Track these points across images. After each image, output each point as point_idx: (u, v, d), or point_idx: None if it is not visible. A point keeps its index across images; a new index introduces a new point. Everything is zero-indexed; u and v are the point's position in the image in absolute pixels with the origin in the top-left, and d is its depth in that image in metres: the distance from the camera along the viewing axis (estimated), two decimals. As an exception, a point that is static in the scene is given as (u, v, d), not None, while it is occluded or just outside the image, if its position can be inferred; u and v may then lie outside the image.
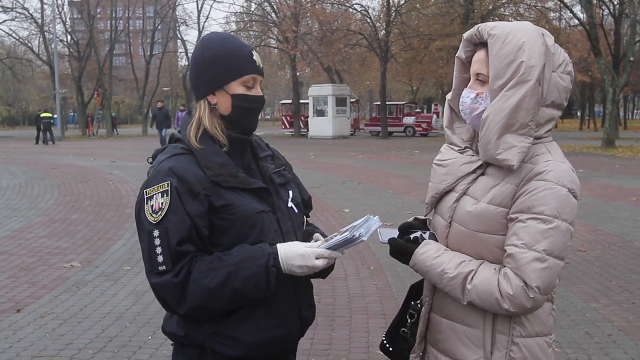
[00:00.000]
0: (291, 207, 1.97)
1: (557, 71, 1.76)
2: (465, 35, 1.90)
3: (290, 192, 2.00)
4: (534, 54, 1.71)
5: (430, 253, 1.81)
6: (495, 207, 1.75)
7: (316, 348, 4.56)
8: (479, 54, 1.83)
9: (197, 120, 1.88)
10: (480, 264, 1.76)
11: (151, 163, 1.90)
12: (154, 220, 1.74)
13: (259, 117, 2.03)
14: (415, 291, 2.07)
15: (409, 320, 2.02)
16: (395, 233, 1.98)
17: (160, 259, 1.73)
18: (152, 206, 1.76)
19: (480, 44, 1.84)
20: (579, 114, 64.93)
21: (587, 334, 4.77)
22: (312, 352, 4.50)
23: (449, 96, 2.00)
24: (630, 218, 9.44)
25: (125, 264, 6.97)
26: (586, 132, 46.49)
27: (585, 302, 5.50)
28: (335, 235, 1.84)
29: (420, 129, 40.09)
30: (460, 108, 1.87)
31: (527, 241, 1.67)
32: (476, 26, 1.85)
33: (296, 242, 1.82)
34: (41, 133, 34.16)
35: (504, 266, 1.73)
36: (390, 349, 2.08)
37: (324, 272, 1.99)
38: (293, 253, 1.77)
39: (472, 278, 1.73)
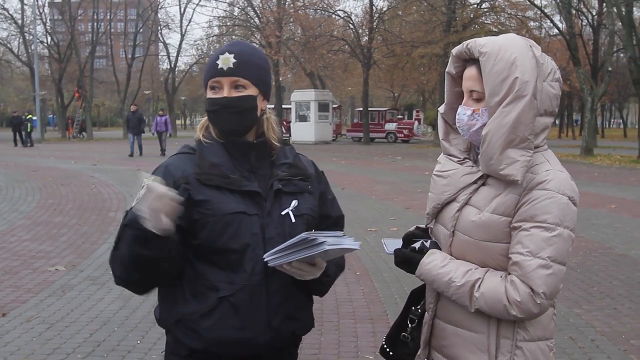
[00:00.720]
0: (287, 215, 1.94)
1: (547, 80, 1.81)
2: (454, 51, 1.93)
3: (295, 202, 1.96)
4: (527, 69, 1.75)
5: (437, 262, 1.85)
6: (499, 217, 1.80)
7: (305, 352, 4.58)
8: (470, 71, 1.87)
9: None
10: (486, 272, 1.81)
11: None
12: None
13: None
14: (416, 297, 2.10)
15: (409, 325, 2.06)
16: (399, 243, 2.02)
17: (116, 236, 1.84)
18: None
19: (471, 60, 1.87)
20: (557, 122, 65.76)
21: (571, 339, 4.85)
22: (301, 357, 4.49)
23: (441, 109, 2.03)
24: (610, 225, 9.60)
25: (110, 268, 6.92)
26: (565, 140, 47.10)
27: (568, 308, 5.59)
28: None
29: (402, 135, 40.31)
30: (458, 125, 1.91)
31: (532, 249, 1.73)
32: (464, 43, 1.89)
33: None
34: (22, 135, 33.77)
35: (510, 274, 1.77)
36: (391, 353, 2.11)
37: (318, 289, 2.03)
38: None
39: (479, 286, 1.78)
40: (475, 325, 1.85)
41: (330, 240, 1.74)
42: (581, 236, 8.66)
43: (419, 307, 2.06)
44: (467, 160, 1.93)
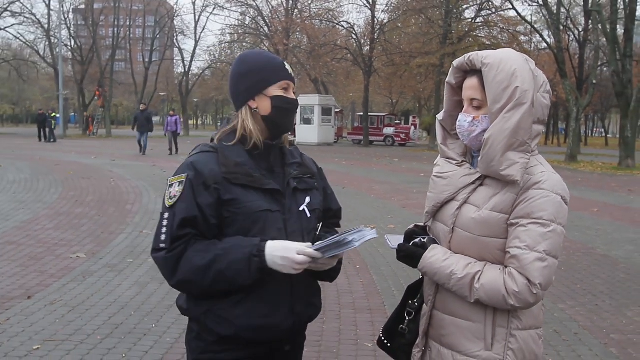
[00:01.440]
0: (303, 210, 1.99)
1: (540, 91, 1.84)
2: (456, 63, 1.96)
3: (308, 198, 2.02)
4: (526, 80, 1.79)
5: (439, 257, 1.87)
6: (498, 214, 1.82)
7: (308, 340, 4.54)
8: (471, 81, 1.90)
9: (237, 125, 1.97)
10: (485, 265, 1.83)
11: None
12: (168, 205, 1.87)
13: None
14: (413, 291, 2.13)
15: (407, 317, 2.08)
16: (401, 239, 2.03)
17: (162, 237, 1.85)
18: (170, 192, 1.89)
19: (472, 71, 1.90)
20: (544, 130, 65.63)
21: (555, 332, 4.86)
22: (305, 343, 4.51)
23: (440, 116, 2.06)
24: (592, 227, 9.60)
25: (128, 257, 6.95)
26: (550, 147, 47.01)
27: (553, 303, 5.59)
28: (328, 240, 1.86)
29: (399, 139, 40.28)
30: (458, 131, 1.94)
31: (530, 243, 1.76)
32: (466, 55, 1.91)
33: (288, 241, 1.86)
34: (46, 131, 33.80)
35: (507, 266, 1.80)
36: (389, 344, 2.13)
37: (330, 276, 2.04)
38: (278, 246, 1.81)
39: (479, 278, 1.80)
40: (473, 315, 1.87)
41: (356, 237, 1.80)
42: (565, 237, 8.64)
43: (415, 300, 2.08)
44: (465, 163, 1.96)
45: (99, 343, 4.38)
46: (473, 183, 1.89)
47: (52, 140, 33.43)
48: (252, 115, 1.96)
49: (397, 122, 46.02)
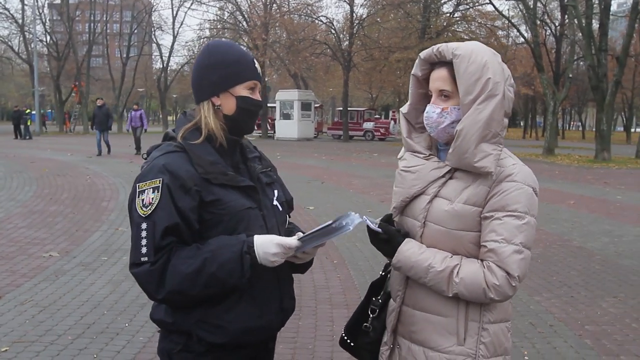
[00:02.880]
0: (276, 205, 1.96)
1: (506, 84, 1.82)
2: (423, 55, 1.92)
3: (275, 192, 1.99)
4: (497, 71, 1.78)
5: (415, 250, 1.83)
6: (471, 207, 1.80)
7: (284, 336, 4.54)
8: (440, 72, 1.86)
9: (198, 121, 1.85)
10: (462, 259, 1.80)
11: (146, 159, 1.86)
12: (143, 214, 1.73)
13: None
14: (376, 288, 2.09)
15: (370, 315, 2.04)
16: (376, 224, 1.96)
17: (143, 250, 1.71)
18: (142, 200, 1.74)
19: (440, 62, 1.87)
20: (522, 124, 66.29)
21: (531, 325, 4.87)
22: (279, 340, 4.42)
23: (404, 109, 2.02)
24: (569, 219, 9.68)
25: (102, 255, 6.83)
26: (528, 140, 47.51)
27: (529, 296, 5.61)
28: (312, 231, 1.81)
29: (379, 133, 40.33)
30: (426, 122, 1.90)
31: (506, 236, 1.75)
32: (434, 47, 1.88)
33: (273, 235, 1.81)
34: (22, 128, 33.24)
35: (484, 260, 1.77)
36: (352, 344, 2.08)
37: (303, 267, 1.99)
38: (268, 242, 1.75)
39: (457, 272, 1.77)
40: (445, 310, 1.84)
41: (349, 221, 1.76)
42: (542, 229, 8.72)
43: (379, 297, 2.04)
44: (432, 156, 1.93)
45: (69, 343, 4.29)
46: (443, 176, 1.86)
47: (27, 137, 32.89)
48: (214, 112, 1.85)
49: (377, 116, 46.12)
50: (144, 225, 1.72)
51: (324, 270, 6.35)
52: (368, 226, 1.90)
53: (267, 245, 1.74)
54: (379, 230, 1.89)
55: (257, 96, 1.90)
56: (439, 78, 1.86)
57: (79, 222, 8.65)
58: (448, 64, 1.83)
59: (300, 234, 1.83)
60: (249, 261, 1.73)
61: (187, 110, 1.93)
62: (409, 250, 1.83)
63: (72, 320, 4.76)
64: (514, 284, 1.75)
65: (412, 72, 1.97)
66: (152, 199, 1.73)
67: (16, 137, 33.11)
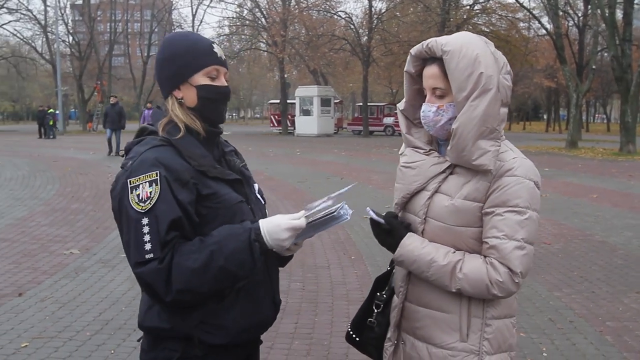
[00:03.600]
0: (258, 198, 1.95)
1: (501, 73, 1.79)
2: (413, 51, 1.89)
3: (256, 185, 1.97)
4: (489, 64, 1.74)
5: (417, 244, 1.81)
6: (471, 202, 1.78)
7: (300, 332, 4.55)
8: (431, 69, 1.83)
9: (171, 116, 1.79)
10: (465, 255, 1.78)
11: (123, 156, 1.80)
12: (141, 209, 1.63)
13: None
14: (381, 283, 2.08)
15: (375, 310, 2.03)
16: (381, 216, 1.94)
17: (148, 247, 1.61)
18: (138, 195, 1.64)
19: (430, 58, 1.84)
20: (545, 117, 65.45)
21: (550, 320, 4.80)
22: (295, 336, 4.48)
23: (400, 106, 2.00)
24: (591, 214, 9.53)
25: (121, 252, 6.89)
26: (551, 134, 46.88)
27: (549, 291, 5.53)
28: (317, 206, 1.74)
29: (399, 128, 40.12)
30: (423, 122, 1.88)
31: (508, 232, 1.72)
32: (424, 42, 1.84)
33: (275, 216, 1.74)
34: (46, 128, 33.73)
35: (487, 256, 1.75)
36: (357, 339, 2.07)
37: (285, 260, 1.96)
38: (276, 227, 1.68)
39: (461, 267, 1.75)
40: (448, 306, 1.82)
41: (343, 211, 1.73)
42: (564, 224, 8.60)
43: (383, 292, 2.04)
44: (433, 151, 1.91)
45: (87, 339, 4.34)
46: (443, 172, 1.84)
47: (51, 136, 33.38)
48: (179, 106, 1.78)
49: (397, 111, 45.87)
50: (144, 221, 1.62)
51: (342, 266, 6.34)
52: (371, 218, 1.88)
53: (277, 232, 1.68)
54: (382, 220, 1.86)
55: (221, 82, 1.81)
56: (431, 76, 1.83)
57: (100, 220, 8.75)
58: (439, 60, 1.80)
59: (304, 212, 1.75)
60: (259, 249, 1.67)
61: (160, 105, 1.88)
62: (412, 244, 1.81)
63: (90, 316, 4.83)
64: (516, 280, 1.72)
65: (405, 69, 1.94)
66: (150, 192, 1.63)
67: (40, 137, 33.64)
